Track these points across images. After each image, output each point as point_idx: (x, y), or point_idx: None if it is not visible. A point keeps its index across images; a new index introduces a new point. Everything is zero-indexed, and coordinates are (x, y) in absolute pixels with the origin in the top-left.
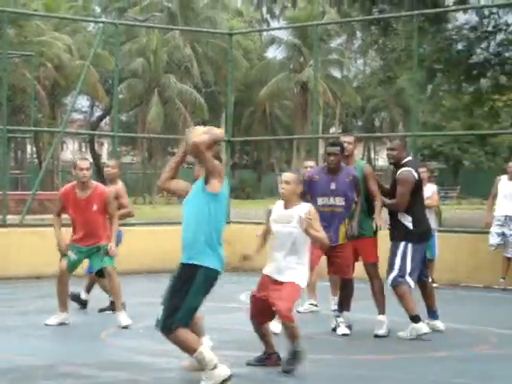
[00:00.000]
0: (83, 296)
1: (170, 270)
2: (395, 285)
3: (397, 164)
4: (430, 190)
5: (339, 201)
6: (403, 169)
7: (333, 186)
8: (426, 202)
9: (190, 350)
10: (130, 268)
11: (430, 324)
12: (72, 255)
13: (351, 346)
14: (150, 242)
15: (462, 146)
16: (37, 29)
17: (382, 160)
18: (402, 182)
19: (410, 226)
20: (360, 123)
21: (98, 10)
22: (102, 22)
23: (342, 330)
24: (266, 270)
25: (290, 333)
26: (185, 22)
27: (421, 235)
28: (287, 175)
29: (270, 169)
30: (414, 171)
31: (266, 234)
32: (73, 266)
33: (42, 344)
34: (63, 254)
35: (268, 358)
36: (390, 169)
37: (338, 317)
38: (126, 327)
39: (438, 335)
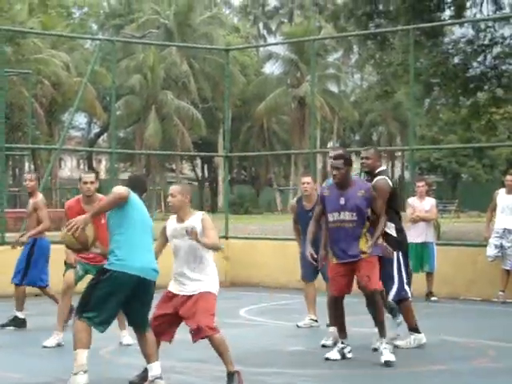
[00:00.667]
0: (21, 315)
1: (167, 285)
2: (398, 299)
3: (371, 173)
4: (428, 204)
5: (349, 216)
6: (379, 177)
7: (342, 201)
8: (425, 215)
9: (74, 343)
10: None
11: (417, 338)
12: (80, 271)
13: (349, 360)
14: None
15: (459, 160)
16: (34, 47)
17: None
18: (378, 190)
19: (394, 233)
20: (357, 137)
21: (94, 27)
22: (99, 39)
23: (386, 356)
24: (172, 287)
25: (218, 346)
26: (182, 38)
27: (405, 243)
28: (172, 188)
29: (268, 184)
30: (389, 180)
31: (160, 249)
32: (79, 279)
33: (40, 361)
34: (71, 266)
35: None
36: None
37: (381, 343)
38: (127, 345)
39: (437, 348)
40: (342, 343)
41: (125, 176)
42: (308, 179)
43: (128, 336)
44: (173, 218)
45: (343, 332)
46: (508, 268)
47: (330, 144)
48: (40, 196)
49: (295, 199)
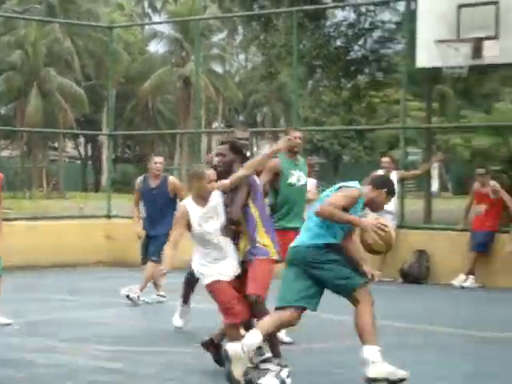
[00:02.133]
0: None
1: (53, 265)
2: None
3: None
4: (309, 185)
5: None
6: None
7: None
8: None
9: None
10: (10, 264)
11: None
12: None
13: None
14: (31, 237)
15: (341, 141)
16: None
17: None
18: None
19: None
20: (242, 118)
21: None
22: None
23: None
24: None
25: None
26: (65, 14)
27: None
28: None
29: None
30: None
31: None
32: None
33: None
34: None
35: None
36: None
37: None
38: (7, 325)
39: (317, 327)
40: (280, 365)
41: (5, 153)
42: (161, 159)
43: (4, 318)
44: (189, 202)
45: (274, 348)
46: None
47: (214, 125)
48: None
49: (142, 178)
